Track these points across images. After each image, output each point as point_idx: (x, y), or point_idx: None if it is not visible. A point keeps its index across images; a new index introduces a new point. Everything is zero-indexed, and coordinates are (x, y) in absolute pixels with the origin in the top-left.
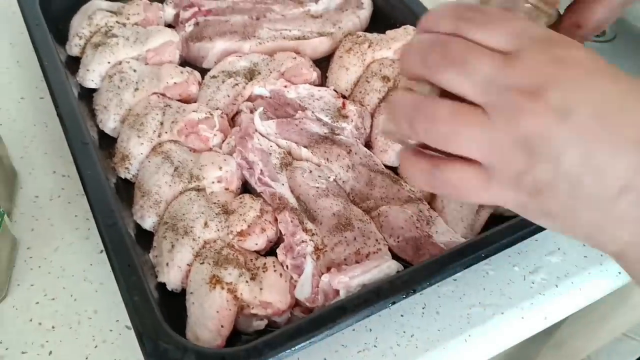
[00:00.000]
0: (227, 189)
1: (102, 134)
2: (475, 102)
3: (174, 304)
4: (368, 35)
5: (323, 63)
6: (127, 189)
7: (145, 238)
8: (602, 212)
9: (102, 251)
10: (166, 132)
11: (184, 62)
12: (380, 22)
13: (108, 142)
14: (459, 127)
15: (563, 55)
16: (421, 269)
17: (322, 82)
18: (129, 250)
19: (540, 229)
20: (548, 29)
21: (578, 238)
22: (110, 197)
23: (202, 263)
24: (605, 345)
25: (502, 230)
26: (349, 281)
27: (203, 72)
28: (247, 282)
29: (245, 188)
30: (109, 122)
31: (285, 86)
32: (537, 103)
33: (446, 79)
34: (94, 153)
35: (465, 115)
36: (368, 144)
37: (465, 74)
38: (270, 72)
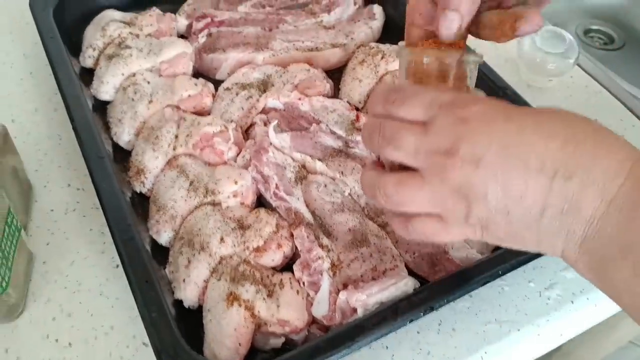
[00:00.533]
0: (242, 204)
1: (116, 146)
2: (413, 167)
3: (191, 320)
4: (381, 46)
5: (336, 74)
6: (142, 203)
7: (161, 253)
8: (535, 230)
9: (118, 265)
10: (181, 146)
11: (197, 73)
12: (392, 32)
13: (122, 155)
14: (404, 195)
15: (464, 114)
16: (439, 286)
17: (335, 93)
18: (146, 266)
19: None
20: (454, 93)
21: (532, 251)
22: (127, 212)
23: (219, 279)
24: (612, 353)
25: None
26: (366, 299)
27: (216, 83)
28: (264, 299)
29: (260, 202)
30: (124, 135)
31: (299, 99)
32: (454, 159)
33: (388, 154)
34: (109, 167)
35: (406, 184)
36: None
37: (399, 149)
38: (284, 84)
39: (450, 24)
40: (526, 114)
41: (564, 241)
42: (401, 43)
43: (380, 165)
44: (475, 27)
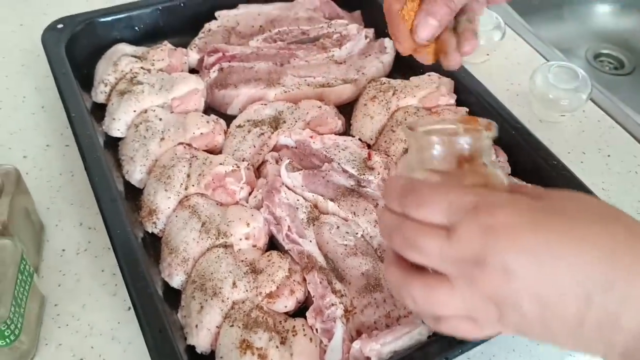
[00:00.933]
0: (254, 246)
1: (127, 183)
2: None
3: None
4: (392, 81)
5: (347, 108)
6: (153, 243)
7: (173, 295)
8: (573, 337)
9: (129, 308)
10: (193, 185)
11: (208, 108)
12: (403, 66)
13: (134, 193)
14: (433, 301)
15: (489, 222)
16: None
17: (346, 128)
18: (159, 314)
19: None
20: (474, 192)
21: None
22: (139, 257)
23: (232, 326)
24: None
25: None
26: (380, 348)
27: (227, 118)
28: (277, 347)
29: (272, 242)
30: (136, 174)
31: (311, 137)
32: (483, 270)
33: (411, 257)
34: (122, 210)
35: (435, 289)
36: None
37: (422, 253)
38: (296, 121)
39: (428, 30)
40: (553, 218)
41: (604, 349)
42: (410, 120)
43: (402, 259)
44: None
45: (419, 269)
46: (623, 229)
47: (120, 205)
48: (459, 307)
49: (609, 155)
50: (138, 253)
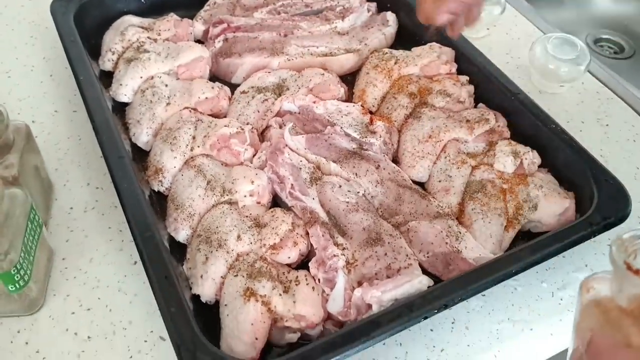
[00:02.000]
0: (258, 203)
1: (134, 146)
2: None
3: (208, 315)
4: (394, 52)
5: (349, 79)
6: (159, 201)
7: (179, 250)
8: None
9: (136, 262)
10: (198, 147)
11: (213, 77)
12: (405, 39)
13: (140, 155)
14: None
15: None
16: (452, 284)
17: (349, 97)
18: (165, 262)
19: (568, 246)
20: None
21: None
22: (146, 210)
23: (236, 275)
24: None
25: (531, 247)
26: (381, 295)
27: (232, 86)
28: (280, 295)
29: (276, 202)
30: (142, 136)
31: (314, 102)
32: None
33: None
34: (129, 166)
35: None
36: (395, 160)
37: None
38: (299, 88)
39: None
40: None
41: None
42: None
43: None
44: None
45: None
46: None
47: (128, 163)
48: None
49: (607, 125)
50: (146, 209)
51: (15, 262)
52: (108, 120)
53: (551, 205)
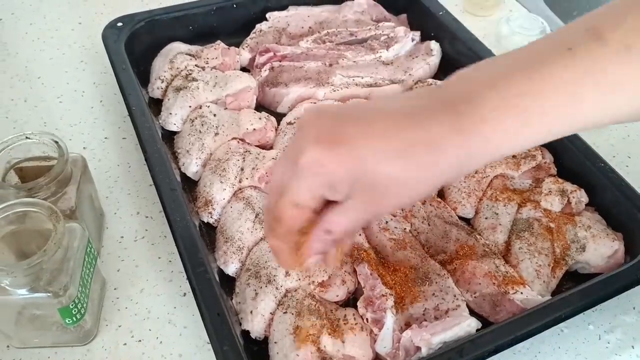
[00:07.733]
0: None
1: (183, 176)
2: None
3: (257, 351)
4: (438, 82)
5: None
6: (208, 232)
7: (227, 283)
8: None
9: (185, 294)
10: (247, 178)
11: (259, 106)
12: (449, 68)
13: (189, 185)
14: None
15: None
16: (502, 329)
17: None
18: (217, 298)
19: (619, 291)
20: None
21: None
22: (199, 244)
23: (285, 312)
24: None
25: (581, 291)
26: (430, 338)
27: (277, 115)
28: (329, 334)
29: None
30: (192, 166)
31: None
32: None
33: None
34: (181, 199)
35: None
36: (441, 195)
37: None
38: None
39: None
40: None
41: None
42: None
43: None
44: None
45: None
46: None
47: (180, 194)
48: None
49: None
50: (198, 243)
51: (73, 296)
52: (160, 150)
53: (600, 247)
